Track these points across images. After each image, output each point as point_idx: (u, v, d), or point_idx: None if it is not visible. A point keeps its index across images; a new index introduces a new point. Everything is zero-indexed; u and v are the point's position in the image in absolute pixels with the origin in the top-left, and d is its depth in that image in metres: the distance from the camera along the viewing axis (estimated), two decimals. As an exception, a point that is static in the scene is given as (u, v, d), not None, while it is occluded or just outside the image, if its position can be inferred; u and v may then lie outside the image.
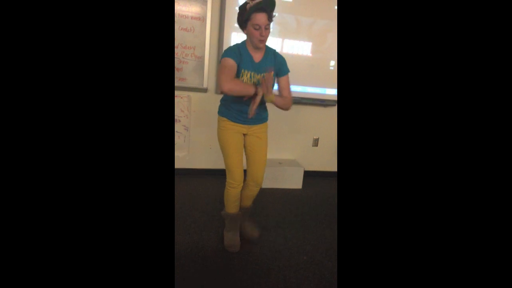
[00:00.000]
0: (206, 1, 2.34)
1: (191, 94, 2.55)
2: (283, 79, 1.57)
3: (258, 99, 1.38)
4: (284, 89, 1.58)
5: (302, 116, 2.86)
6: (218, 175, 2.78)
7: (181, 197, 2.28)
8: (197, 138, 2.67)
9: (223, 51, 2.41)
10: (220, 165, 2.79)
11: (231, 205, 1.70)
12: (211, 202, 2.24)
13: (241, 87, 1.39)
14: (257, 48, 1.45)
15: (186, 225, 1.90)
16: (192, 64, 2.46)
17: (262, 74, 1.47)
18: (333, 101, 2.80)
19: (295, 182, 2.72)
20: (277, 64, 1.53)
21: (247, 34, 1.43)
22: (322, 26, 2.58)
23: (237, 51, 1.44)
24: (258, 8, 1.33)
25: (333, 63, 2.69)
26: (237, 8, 1.45)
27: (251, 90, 1.38)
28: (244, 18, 1.38)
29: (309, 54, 2.62)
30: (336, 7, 2.55)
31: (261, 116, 1.62)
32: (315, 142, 2.99)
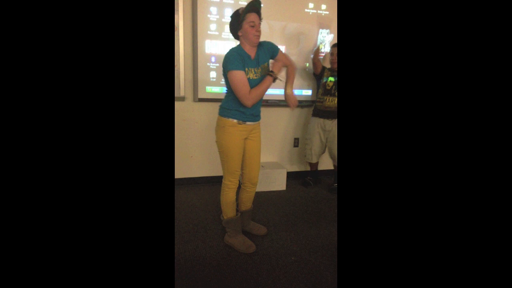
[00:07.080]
0: (178, 11, 2.34)
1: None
2: (279, 55, 1.68)
3: (291, 79, 1.67)
4: (285, 59, 1.70)
5: (281, 118, 2.89)
6: (201, 183, 2.77)
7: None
8: (176, 146, 2.64)
9: (197, 59, 2.44)
10: (200, 173, 2.79)
11: (231, 208, 1.76)
12: (194, 211, 2.23)
13: (261, 90, 1.54)
14: (253, 44, 1.55)
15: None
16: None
17: (261, 66, 1.59)
18: (310, 101, 2.86)
19: (279, 184, 2.74)
20: (268, 50, 1.64)
21: (243, 34, 1.53)
22: (294, 29, 2.64)
23: (239, 58, 1.51)
24: (250, 8, 1.48)
25: (308, 64, 2.75)
26: (225, 16, 1.45)
27: (269, 83, 1.55)
28: (240, 20, 1.50)
29: (283, 57, 2.67)
30: (306, 10, 2.62)
31: (260, 113, 1.71)
32: (296, 143, 3.03)
